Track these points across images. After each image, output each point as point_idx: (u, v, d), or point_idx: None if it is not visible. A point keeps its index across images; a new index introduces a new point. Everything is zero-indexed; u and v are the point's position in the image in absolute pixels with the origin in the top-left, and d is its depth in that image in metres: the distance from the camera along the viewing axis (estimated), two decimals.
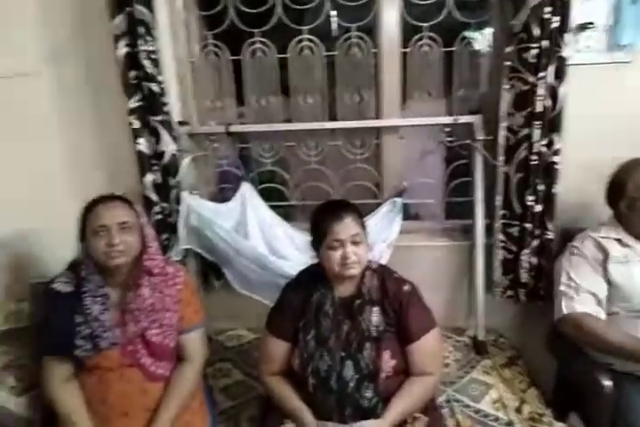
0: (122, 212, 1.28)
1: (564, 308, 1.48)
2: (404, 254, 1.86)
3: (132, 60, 1.73)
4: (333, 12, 1.96)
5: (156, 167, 1.82)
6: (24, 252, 1.69)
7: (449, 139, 1.94)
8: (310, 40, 1.92)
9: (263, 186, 2.06)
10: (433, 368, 1.30)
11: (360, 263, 1.27)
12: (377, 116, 1.98)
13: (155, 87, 1.75)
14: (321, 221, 1.28)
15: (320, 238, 1.28)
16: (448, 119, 1.84)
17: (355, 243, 1.26)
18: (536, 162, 1.71)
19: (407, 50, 1.92)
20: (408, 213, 1.99)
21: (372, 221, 1.87)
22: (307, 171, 2.07)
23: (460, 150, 1.96)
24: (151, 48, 1.73)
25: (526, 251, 1.79)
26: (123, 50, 1.72)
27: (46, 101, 1.85)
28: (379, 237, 1.85)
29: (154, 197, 1.82)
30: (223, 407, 1.57)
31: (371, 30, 1.93)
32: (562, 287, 1.51)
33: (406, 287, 1.33)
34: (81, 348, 1.25)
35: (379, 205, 1.96)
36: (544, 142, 1.70)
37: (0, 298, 1.59)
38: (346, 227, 1.25)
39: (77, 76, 1.87)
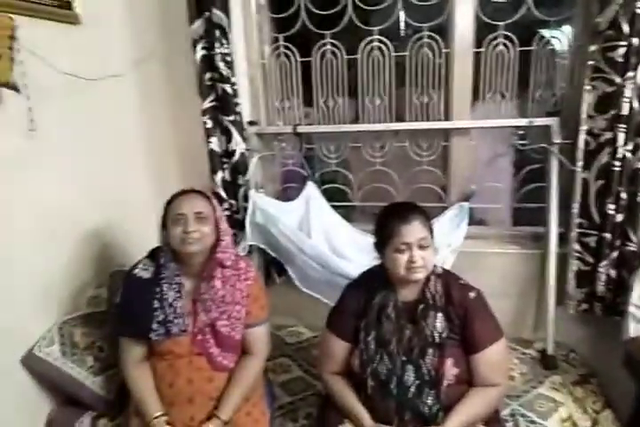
0: (199, 203, 1.34)
1: (632, 330, 1.37)
2: (469, 261, 1.80)
3: (207, 63, 1.81)
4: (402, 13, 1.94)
5: (226, 166, 1.89)
6: (107, 242, 1.82)
7: (522, 142, 1.86)
8: (380, 41, 1.92)
9: (327, 186, 2.08)
10: (498, 379, 1.26)
11: (426, 268, 1.25)
12: (445, 118, 1.94)
13: (228, 88, 1.82)
14: (388, 223, 1.26)
15: (386, 240, 1.26)
16: (523, 121, 1.77)
17: (422, 247, 1.23)
18: (619, 168, 1.60)
19: (481, 50, 1.86)
20: (473, 219, 1.93)
21: (437, 225, 1.83)
22: (371, 172, 2.06)
23: (534, 154, 1.88)
24: (226, 51, 1.80)
25: (605, 262, 1.68)
26: (200, 53, 1.80)
27: (129, 102, 1.97)
28: (443, 242, 1.80)
29: (223, 194, 1.89)
30: (282, 402, 1.59)
31: (442, 30, 1.89)
32: (631, 308, 1.40)
33: (472, 294, 1.29)
34: (155, 332, 1.32)
35: (444, 208, 1.92)
36: (629, 147, 1.59)
37: (83, 284, 1.71)
38: (414, 230, 1.23)
39: (158, 79, 1.98)
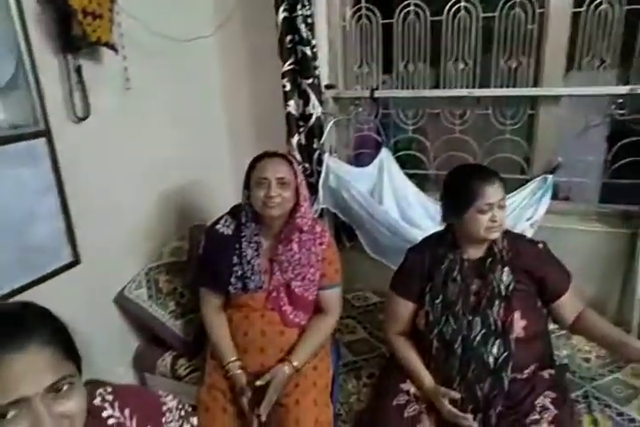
0: (283, 168, 1.37)
1: None
2: (550, 236, 1.68)
3: (289, 25, 1.80)
4: None
5: (302, 129, 1.90)
6: (188, 197, 1.93)
7: (620, 111, 1.71)
8: (467, 0, 1.81)
9: (401, 153, 2.04)
10: (580, 306, 1.34)
11: (502, 227, 1.27)
12: (534, 84, 1.82)
13: (307, 51, 1.81)
14: (472, 185, 1.25)
15: (469, 202, 1.24)
16: (624, 89, 1.62)
17: (501, 207, 1.25)
18: None
19: (580, 9, 1.71)
20: (556, 193, 1.82)
21: (518, 198, 1.75)
22: (449, 140, 1.99)
23: (633, 126, 1.72)
24: (307, 13, 1.78)
25: None
26: (282, 15, 1.80)
27: (212, 65, 2.04)
28: (523, 216, 1.73)
29: (298, 157, 1.91)
30: (346, 360, 1.64)
31: None
32: None
33: (540, 246, 1.34)
34: (233, 286, 1.40)
35: (525, 181, 1.82)
36: None
37: (167, 235, 1.83)
38: (496, 191, 1.25)
39: (240, 41, 2.01)
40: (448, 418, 1.21)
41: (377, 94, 1.90)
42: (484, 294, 1.26)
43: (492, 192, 1.23)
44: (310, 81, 1.85)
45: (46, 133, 1.35)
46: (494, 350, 1.23)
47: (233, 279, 1.40)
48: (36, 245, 1.34)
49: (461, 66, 1.90)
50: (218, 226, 1.45)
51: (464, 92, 1.86)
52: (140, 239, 1.72)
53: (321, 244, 1.44)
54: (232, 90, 2.09)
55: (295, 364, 1.35)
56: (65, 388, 0.62)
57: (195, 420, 0.95)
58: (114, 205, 1.59)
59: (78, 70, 1.44)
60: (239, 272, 1.40)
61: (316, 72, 1.86)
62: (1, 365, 0.58)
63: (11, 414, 0.58)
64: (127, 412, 0.79)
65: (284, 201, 1.35)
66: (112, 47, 1.49)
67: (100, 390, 0.80)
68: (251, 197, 1.38)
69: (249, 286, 1.40)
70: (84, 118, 1.47)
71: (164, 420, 0.86)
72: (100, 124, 1.52)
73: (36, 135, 1.33)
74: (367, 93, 1.91)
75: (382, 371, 1.47)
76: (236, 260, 1.41)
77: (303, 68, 1.84)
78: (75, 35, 1.35)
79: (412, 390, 1.30)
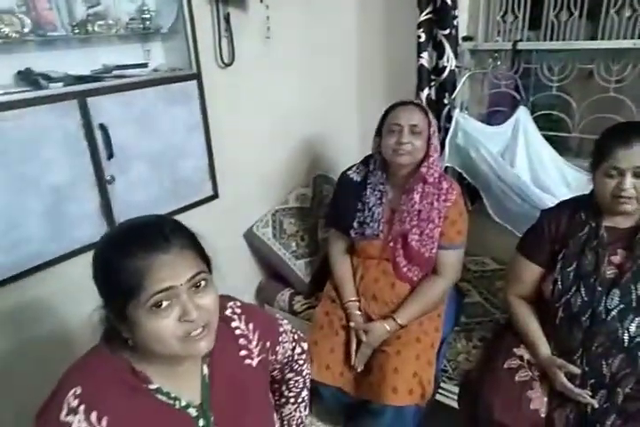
0: (417, 115, 1.35)
1: None
2: None
3: None
4: None
5: (433, 83, 1.83)
6: (315, 148, 2.00)
7: None
8: None
9: (540, 113, 1.87)
10: None
11: (636, 200, 1.10)
12: None
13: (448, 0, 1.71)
14: (605, 143, 1.12)
15: (597, 162, 1.13)
16: None
17: (637, 175, 1.08)
18: None
19: None
20: None
21: None
22: (600, 100, 1.77)
23: None
24: None
25: None
26: None
27: (348, 14, 2.03)
28: None
29: None
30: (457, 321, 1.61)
31: None
32: None
33: None
34: (354, 230, 1.44)
35: None
36: None
37: (293, 182, 1.93)
38: (632, 155, 1.07)
39: None
40: (560, 390, 1.15)
41: (520, 46, 1.74)
42: (629, 267, 1.13)
43: (625, 155, 1.07)
44: (447, 32, 1.75)
45: (197, 76, 1.47)
46: (632, 328, 1.11)
47: (355, 224, 1.44)
48: (185, 177, 1.50)
49: (628, 13, 1.65)
50: (349, 172, 1.50)
51: (628, 43, 1.63)
52: (269, 183, 1.84)
53: (445, 200, 1.40)
54: (366, 40, 2.08)
55: (399, 321, 1.36)
56: (202, 284, 0.72)
57: (305, 345, 1.03)
58: (248, 148, 1.71)
59: (227, 18, 1.53)
60: (361, 218, 1.43)
61: (454, 22, 1.75)
62: (153, 264, 0.68)
63: (165, 304, 0.68)
64: (251, 326, 0.87)
65: (414, 150, 1.33)
66: None
67: (231, 303, 0.89)
68: (381, 145, 1.38)
69: (366, 232, 1.42)
70: (230, 64, 1.58)
71: (280, 339, 0.93)
72: (241, 70, 1.62)
73: (189, 78, 1.45)
74: (508, 46, 1.76)
75: (495, 335, 1.42)
76: (360, 206, 1.44)
77: (441, 17, 1.74)
78: None
79: (526, 356, 1.24)
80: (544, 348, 1.21)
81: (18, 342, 1.24)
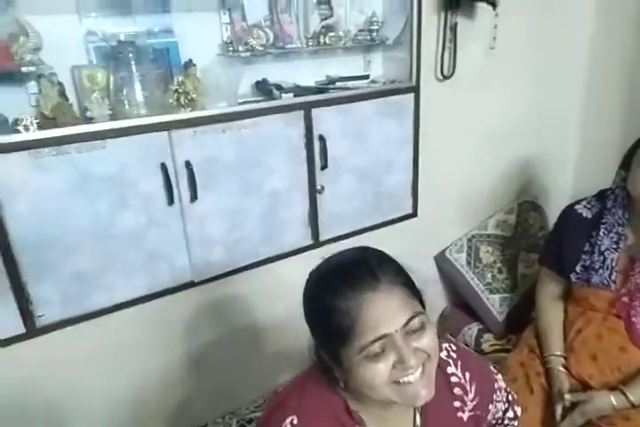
0: None
1: None
2: None
3: None
4: None
5: None
6: (524, 172, 1.81)
7: None
8: None
9: None
10: None
11: None
12: None
13: None
14: None
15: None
16: None
17: None
18: None
19: None
20: None
21: None
22: None
23: None
24: None
25: None
26: None
27: (585, 22, 1.78)
28: None
29: None
30: None
31: None
32: None
33: None
34: (576, 275, 1.23)
35: None
36: None
37: (495, 206, 1.76)
38: None
39: None
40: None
41: None
42: None
43: None
44: None
45: (416, 89, 1.41)
46: None
47: (578, 268, 1.22)
48: (388, 193, 1.46)
49: None
50: (578, 206, 1.28)
51: None
52: (469, 204, 1.71)
53: None
54: (601, 53, 1.78)
55: (632, 398, 1.10)
56: (417, 326, 0.64)
57: (519, 410, 0.89)
58: (453, 166, 1.61)
59: (454, 28, 1.44)
60: (587, 262, 1.20)
61: None
62: (362, 306, 0.62)
63: (379, 350, 0.62)
64: (468, 376, 0.78)
65: None
66: (491, 2, 1.42)
67: (446, 345, 0.80)
68: (629, 179, 1.13)
69: (592, 279, 1.19)
70: (448, 77, 1.48)
71: (494, 397, 0.82)
72: (458, 84, 1.51)
73: (407, 91, 1.40)
74: None
75: None
76: (587, 247, 1.21)
77: None
78: None
79: None
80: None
81: (218, 334, 1.33)
